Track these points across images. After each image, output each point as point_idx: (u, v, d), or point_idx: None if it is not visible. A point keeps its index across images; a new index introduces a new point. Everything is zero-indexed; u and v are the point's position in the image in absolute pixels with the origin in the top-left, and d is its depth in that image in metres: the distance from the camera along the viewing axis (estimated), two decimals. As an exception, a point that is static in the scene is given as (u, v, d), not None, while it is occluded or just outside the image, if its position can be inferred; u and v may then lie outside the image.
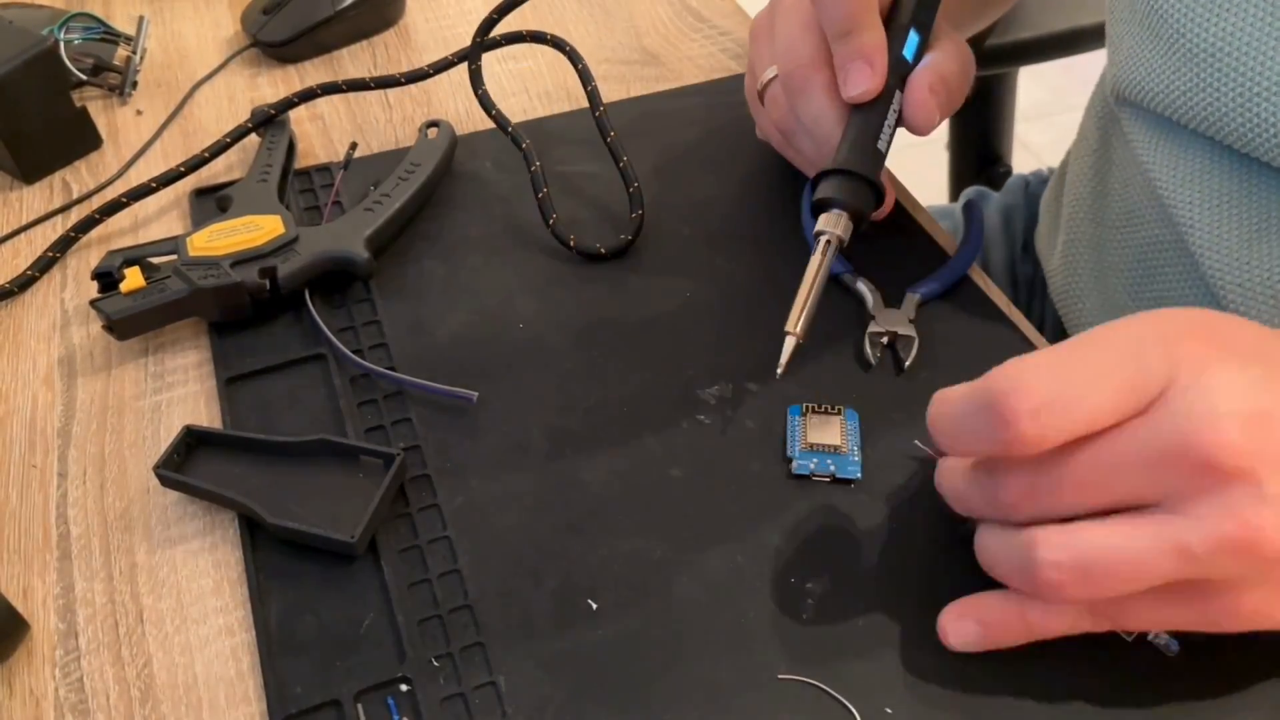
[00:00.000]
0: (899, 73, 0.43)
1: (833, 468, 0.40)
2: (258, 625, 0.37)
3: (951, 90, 0.44)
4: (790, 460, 0.41)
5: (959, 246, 0.49)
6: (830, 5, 0.42)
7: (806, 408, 0.42)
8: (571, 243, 0.49)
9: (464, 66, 0.54)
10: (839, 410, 0.42)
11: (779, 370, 0.40)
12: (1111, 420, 0.30)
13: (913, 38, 0.44)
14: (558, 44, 0.53)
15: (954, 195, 1.05)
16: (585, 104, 0.60)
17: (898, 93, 0.43)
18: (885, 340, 0.44)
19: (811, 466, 0.40)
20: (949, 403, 0.32)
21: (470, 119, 0.59)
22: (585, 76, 0.53)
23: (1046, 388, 0.30)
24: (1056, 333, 0.58)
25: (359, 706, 0.34)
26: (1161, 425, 0.29)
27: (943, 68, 0.44)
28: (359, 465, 0.40)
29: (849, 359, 0.44)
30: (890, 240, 0.49)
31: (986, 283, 0.48)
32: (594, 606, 0.37)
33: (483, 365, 0.45)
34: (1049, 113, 1.75)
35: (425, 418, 0.43)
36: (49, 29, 0.58)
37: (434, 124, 0.54)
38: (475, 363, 0.45)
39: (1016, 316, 0.47)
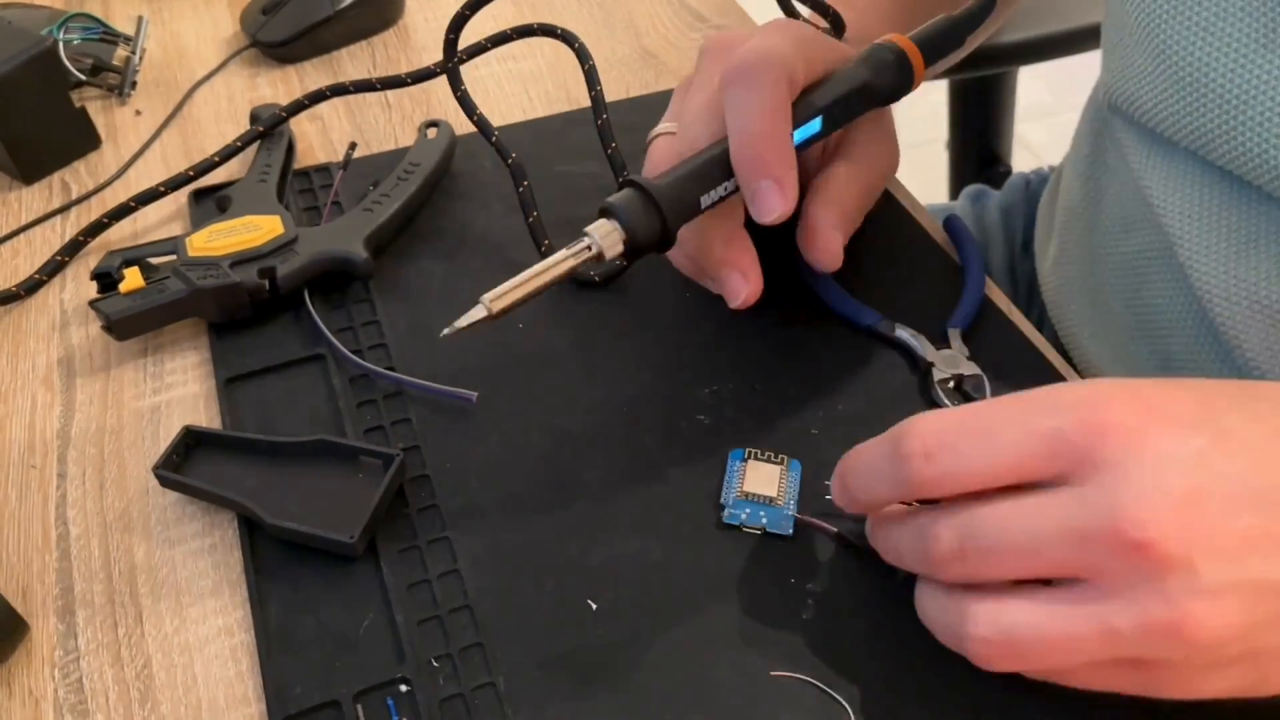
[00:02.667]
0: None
1: (763, 519, 0.38)
2: (257, 626, 0.37)
3: (849, 217, 0.43)
4: (722, 509, 0.39)
5: (964, 268, 0.48)
6: (733, 99, 0.39)
7: (749, 453, 0.41)
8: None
9: (470, 64, 0.54)
10: (782, 460, 0.40)
11: (446, 331, 0.36)
12: (1015, 478, 0.30)
13: (814, 125, 0.41)
14: (568, 39, 0.52)
15: (954, 194, 1.05)
16: (586, 104, 0.60)
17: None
18: (952, 384, 0.43)
19: (742, 516, 0.39)
20: (860, 452, 0.33)
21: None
22: (591, 78, 0.51)
23: (944, 431, 0.30)
24: (1054, 333, 0.58)
25: (358, 707, 0.34)
26: (1093, 501, 0.28)
27: (845, 199, 0.43)
28: (358, 465, 0.40)
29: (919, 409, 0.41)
30: (891, 269, 0.49)
31: (999, 296, 0.48)
32: (594, 607, 0.37)
33: (483, 365, 0.45)
34: (1049, 112, 1.75)
35: (425, 418, 0.43)
36: (48, 29, 0.58)
37: (433, 124, 0.54)
38: (475, 363, 0.45)
39: (1017, 317, 0.47)
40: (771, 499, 0.39)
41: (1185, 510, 0.27)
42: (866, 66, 0.42)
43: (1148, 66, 0.44)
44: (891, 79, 0.42)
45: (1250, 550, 0.27)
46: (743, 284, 0.41)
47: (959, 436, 0.30)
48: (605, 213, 0.38)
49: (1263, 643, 0.28)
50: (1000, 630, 0.30)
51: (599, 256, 0.37)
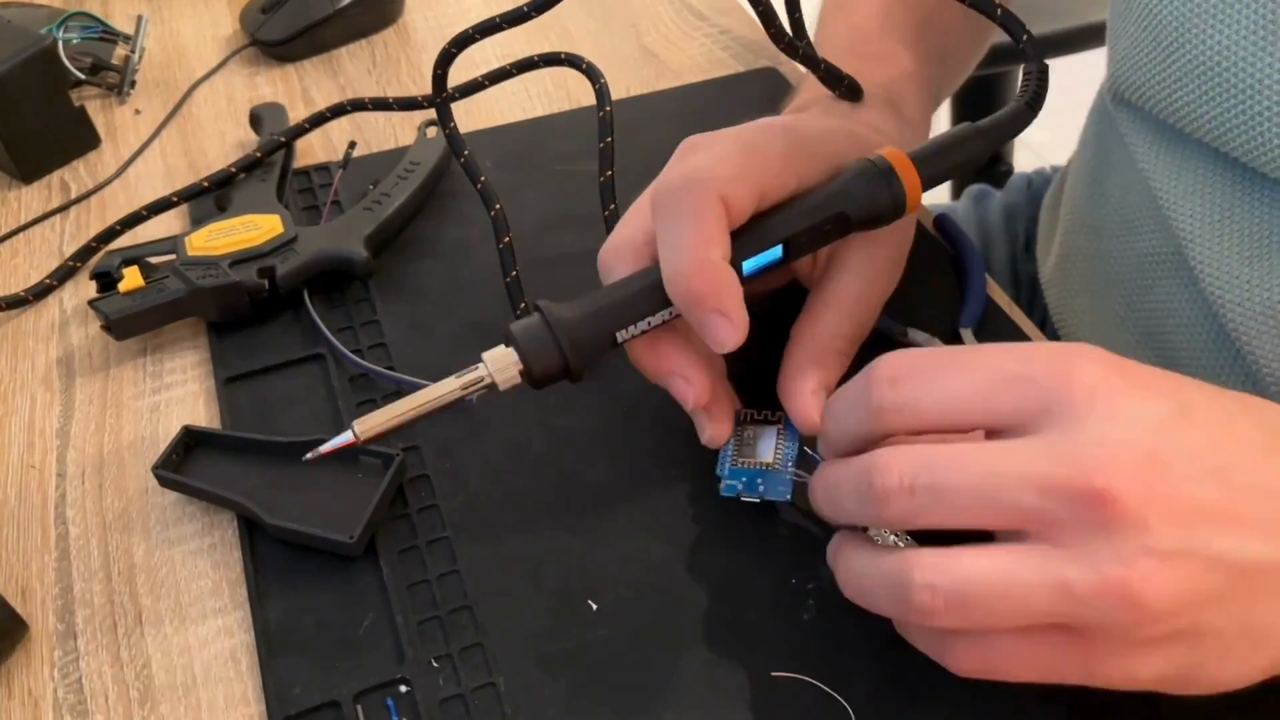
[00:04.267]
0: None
1: (760, 486, 0.37)
2: (257, 626, 0.36)
3: (839, 368, 0.38)
4: (719, 481, 0.38)
5: (962, 265, 0.47)
6: (660, 223, 0.36)
7: (740, 418, 0.39)
8: (521, 309, 0.44)
9: (463, 65, 0.54)
10: (779, 418, 0.39)
11: (310, 455, 0.35)
12: (980, 413, 0.29)
13: (772, 253, 0.36)
14: (573, 62, 0.48)
15: (955, 194, 1.04)
16: (586, 104, 0.60)
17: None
18: None
19: (739, 487, 0.38)
20: (839, 390, 0.33)
21: (470, 118, 0.59)
22: (602, 97, 0.47)
23: (912, 362, 0.30)
24: (1056, 333, 0.58)
25: (358, 707, 0.34)
26: (1058, 448, 0.28)
27: (829, 349, 0.38)
28: (358, 465, 0.40)
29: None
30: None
31: (1000, 296, 0.47)
32: (594, 607, 0.37)
33: (482, 365, 0.45)
34: (1051, 111, 1.74)
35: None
36: (47, 28, 0.58)
37: (433, 123, 0.54)
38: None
39: (1019, 317, 0.47)
40: (768, 464, 0.38)
41: (1146, 470, 0.27)
42: (843, 191, 0.36)
43: (1158, 55, 0.44)
44: (875, 203, 0.36)
45: (1204, 521, 0.27)
46: (687, 388, 0.37)
47: (928, 367, 0.30)
48: (506, 339, 0.35)
49: (1205, 620, 0.28)
50: (949, 577, 0.28)
51: (492, 386, 0.35)
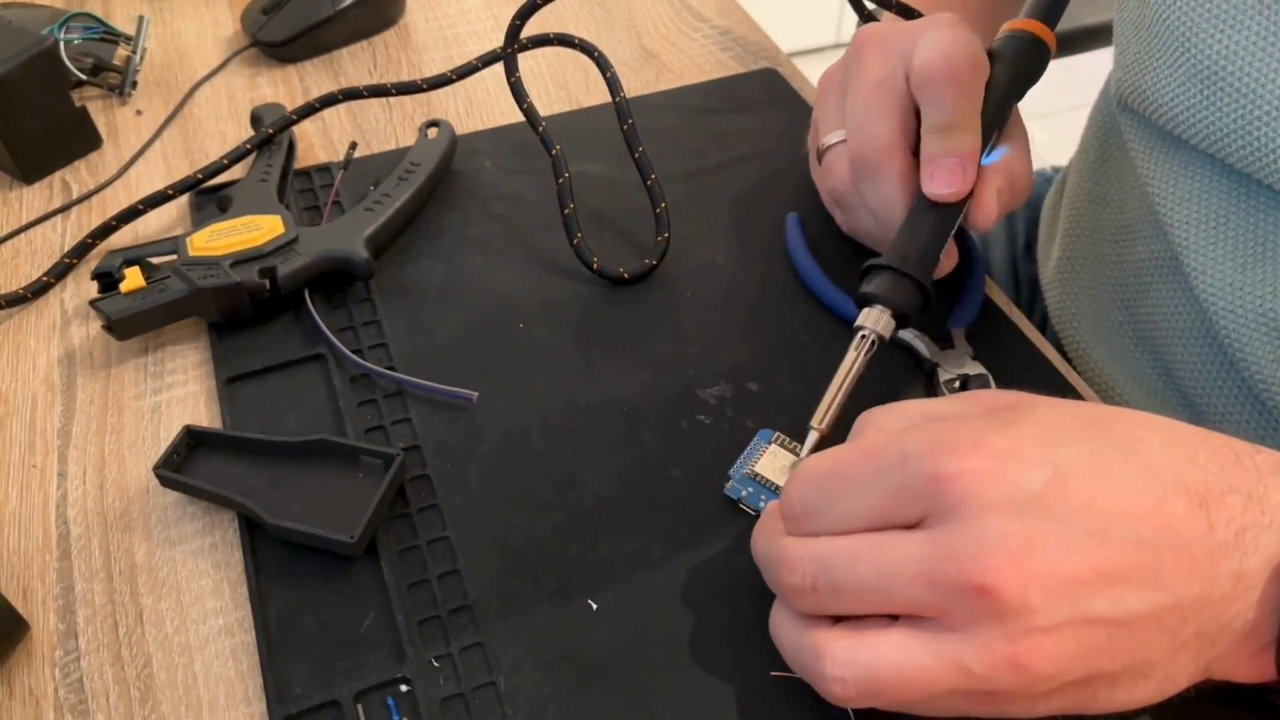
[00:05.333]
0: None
1: (762, 502, 0.39)
2: (257, 626, 0.37)
3: (1016, 192, 0.43)
4: (728, 479, 0.40)
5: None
6: (942, 97, 0.41)
7: (777, 437, 0.41)
8: (595, 265, 0.48)
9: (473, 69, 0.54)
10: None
11: (795, 460, 0.40)
12: (873, 524, 0.31)
13: (993, 141, 0.43)
14: (586, 48, 0.51)
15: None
16: (586, 104, 0.60)
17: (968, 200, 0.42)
18: (957, 384, 0.43)
19: (743, 494, 0.39)
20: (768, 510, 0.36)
21: (470, 118, 0.59)
22: (614, 86, 0.51)
23: (807, 495, 0.33)
24: (1056, 334, 0.58)
25: (359, 707, 0.34)
26: (940, 546, 0.30)
27: (1015, 168, 0.43)
28: (359, 465, 0.40)
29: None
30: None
31: (999, 296, 0.48)
32: (594, 607, 0.37)
33: (483, 365, 0.45)
34: (1051, 111, 1.74)
35: (425, 418, 0.43)
36: (49, 29, 0.58)
37: (434, 124, 0.54)
38: (475, 363, 0.45)
39: (1018, 317, 0.47)
40: (777, 487, 0.39)
41: (1022, 557, 0.29)
42: (1012, 64, 0.44)
43: (1164, 61, 0.44)
44: (1033, 67, 0.44)
45: (1081, 588, 0.29)
46: (957, 170, 0.41)
47: (819, 499, 0.32)
48: (867, 300, 0.40)
49: (1094, 669, 0.30)
50: (856, 670, 0.31)
51: (880, 341, 0.40)
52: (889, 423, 0.34)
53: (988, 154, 0.43)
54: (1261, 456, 0.32)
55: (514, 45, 0.50)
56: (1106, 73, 0.56)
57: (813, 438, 0.38)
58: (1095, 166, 0.55)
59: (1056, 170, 0.71)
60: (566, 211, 0.49)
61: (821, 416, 0.38)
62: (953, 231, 0.42)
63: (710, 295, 0.48)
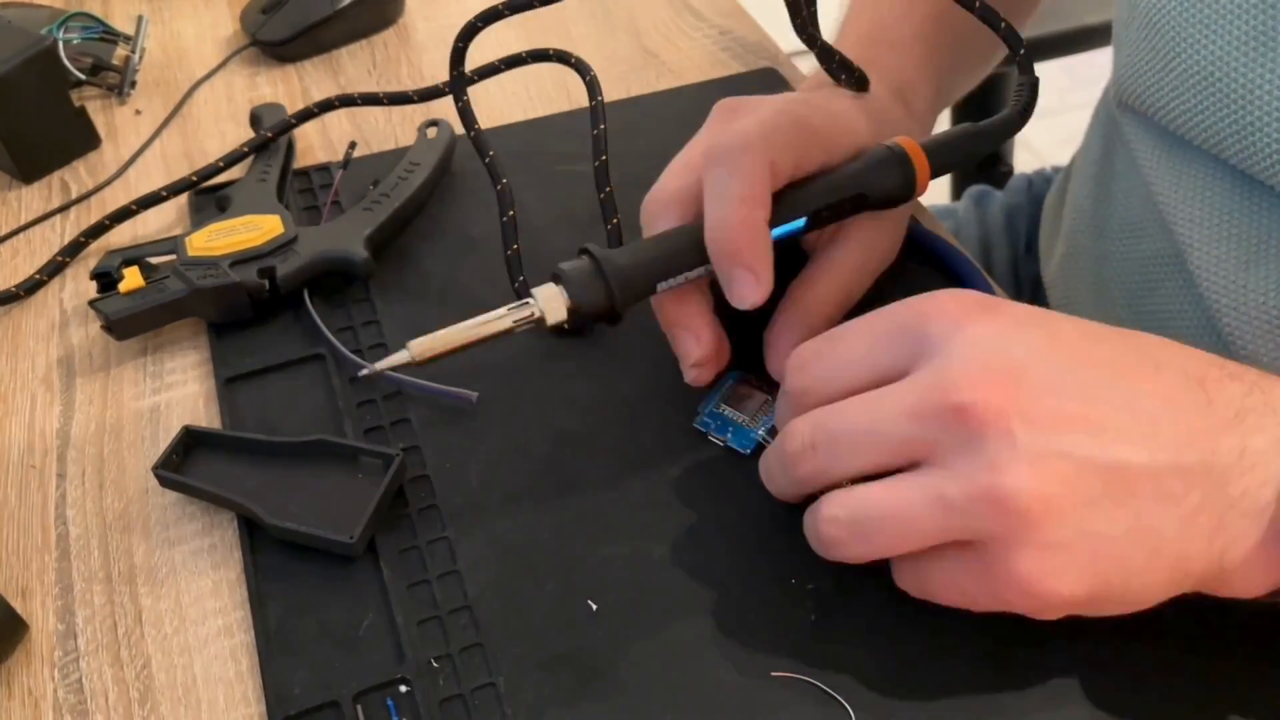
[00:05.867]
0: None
1: (729, 436, 0.40)
2: (257, 626, 0.36)
3: (829, 321, 0.41)
4: (697, 413, 0.42)
5: (947, 266, 0.47)
6: (711, 179, 0.38)
7: (747, 378, 0.42)
8: (517, 285, 0.45)
9: (469, 64, 0.53)
10: (770, 395, 0.41)
11: (365, 371, 0.37)
12: (869, 371, 0.32)
13: (796, 224, 0.40)
14: (562, 58, 0.50)
15: (956, 194, 1.04)
16: (586, 104, 0.60)
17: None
18: None
19: (713, 428, 0.41)
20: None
21: (470, 118, 0.59)
22: (593, 89, 0.49)
23: (811, 346, 0.34)
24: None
25: (358, 707, 0.34)
26: (922, 378, 0.30)
27: (817, 312, 0.41)
28: (358, 466, 0.40)
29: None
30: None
31: (1000, 295, 0.47)
32: (594, 607, 0.37)
33: (483, 365, 0.45)
34: (1051, 112, 1.74)
35: (425, 418, 0.43)
36: (48, 28, 0.58)
37: (433, 123, 0.54)
38: (475, 363, 0.45)
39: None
40: (744, 422, 0.41)
41: (1007, 383, 0.29)
42: (864, 173, 0.40)
43: (1158, 63, 0.44)
44: (891, 187, 0.40)
45: (1070, 427, 0.29)
46: (694, 346, 0.40)
47: (824, 346, 0.34)
48: (555, 278, 0.38)
49: (1090, 527, 0.29)
50: (846, 509, 0.32)
51: (540, 321, 0.37)
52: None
53: (788, 233, 0.40)
54: (1262, 374, 0.31)
55: (459, 71, 0.45)
56: (1108, 71, 0.56)
57: (400, 356, 0.36)
58: (1099, 164, 0.55)
59: (1057, 170, 0.71)
60: (509, 254, 0.45)
61: (425, 344, 0.36)
62: (680, 278, 0.39)
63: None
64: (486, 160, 0.47)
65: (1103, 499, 0.29)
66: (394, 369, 0.36)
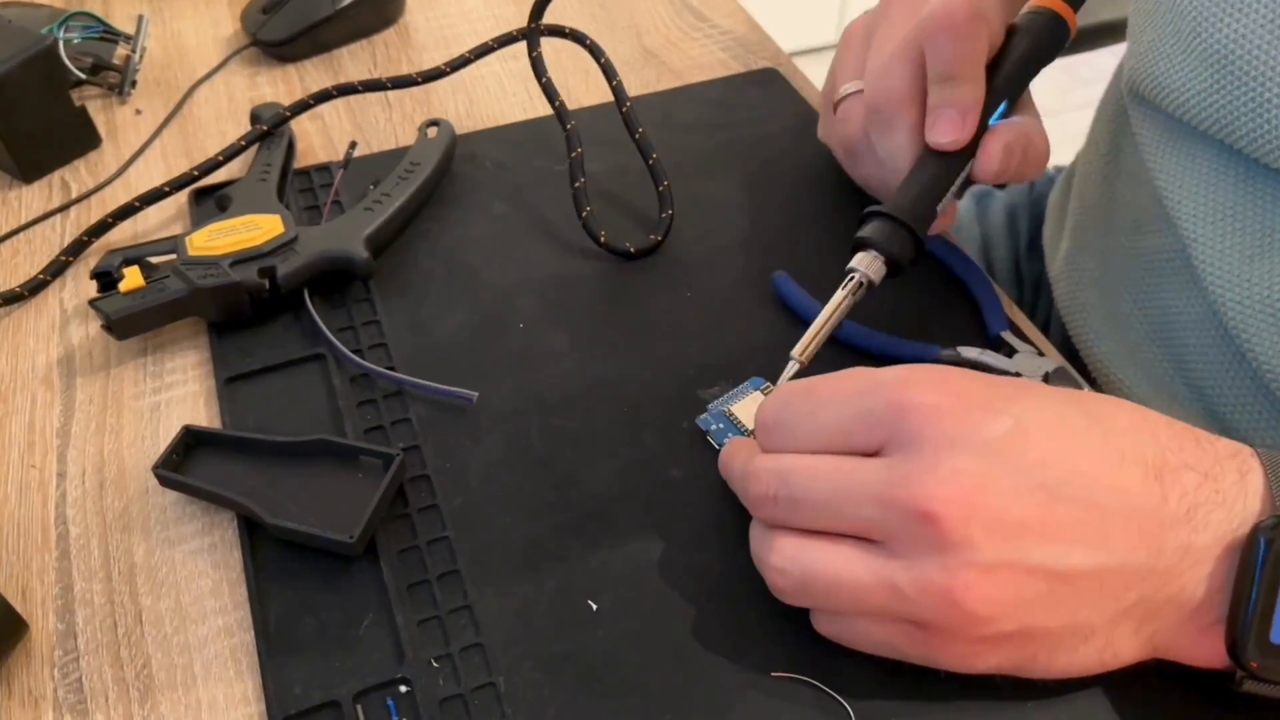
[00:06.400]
0: (980, 134, 0.43)
1: (727, 440, 0.40)
2: (257, 626, 0.36)
3: (1029, 158, 0.43)
4: (705, 410, 0.42)
5: (955, 273, 0.47)
6: (940, 46, 0.41)
7: (765, 387, 0.43)
8: (602, 239, 0.49)
9: (470, 65, 0.54)
10: None
11: (768, 384, 0.41)
12: (841, 446, 0.33)
13: (1002, 106, 0.43)
14: (577, 38, 0.53)
15: (956, 194, 1.04)
16: (587, 103, 0.60)
17: (974, 157, 0.43)
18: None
19: (712, 428, 0.41)
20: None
21: (470, 118, 0.59)
22: (609, 71, 0.52)
23: (778, 409, 0.35)
24: (1060, 333, 0.58)
25: (358, 707, 0.34)
26: (894, 471, 0.31)
27: (1027, 131, 0.43)
28: (358, 465, 0.40)
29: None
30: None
31: (1002, 295, 0.47)
32: (594, 607, 0.37)
33: (482, 365, 0.45)
34: (1052, 111, 1.74)
35: (425, 418, 0.43)
36: (48, 28, 0.58)
37: (434, 123, 0.54)
38: (475, 363, 0.45)
39: (1019, 318, 0.47)
40: (747, 429, 0.41)
41: (973, 493, 0.30)
42: (1030, 36, 0.44)
43: (1177, 47, 0.44)
44: (1053, 43, 0.44)
45: (1026, 535, 0.30)
46: (957, 119, 0.42)
47: (789, 415, 0.34)
48: (861, 245, 0.41)
49: (1032, 623, 0.31)
50: (797, 565, 0.33)
51: (870, 285, 0.41)
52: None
53: (999, 118, 0.43)
54: (1221, 443, 0.32)
55: (538, 48, 0.52)
56: (1109, 71, 0.56)
57: (792, 368, 0.40)
58: (1106, 158, 0.55)
59: (1058, 170, 0.71)
60: (577, 185, 0.50)
61: (804, 348, 0.40)
62: (955, 185, 0.42)
63: (711, 296, 0.48)
64: (556, 105, 0.52)
65: (1047, 598, 0.30)
66: (790, 377, 0.39)
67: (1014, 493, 0.30)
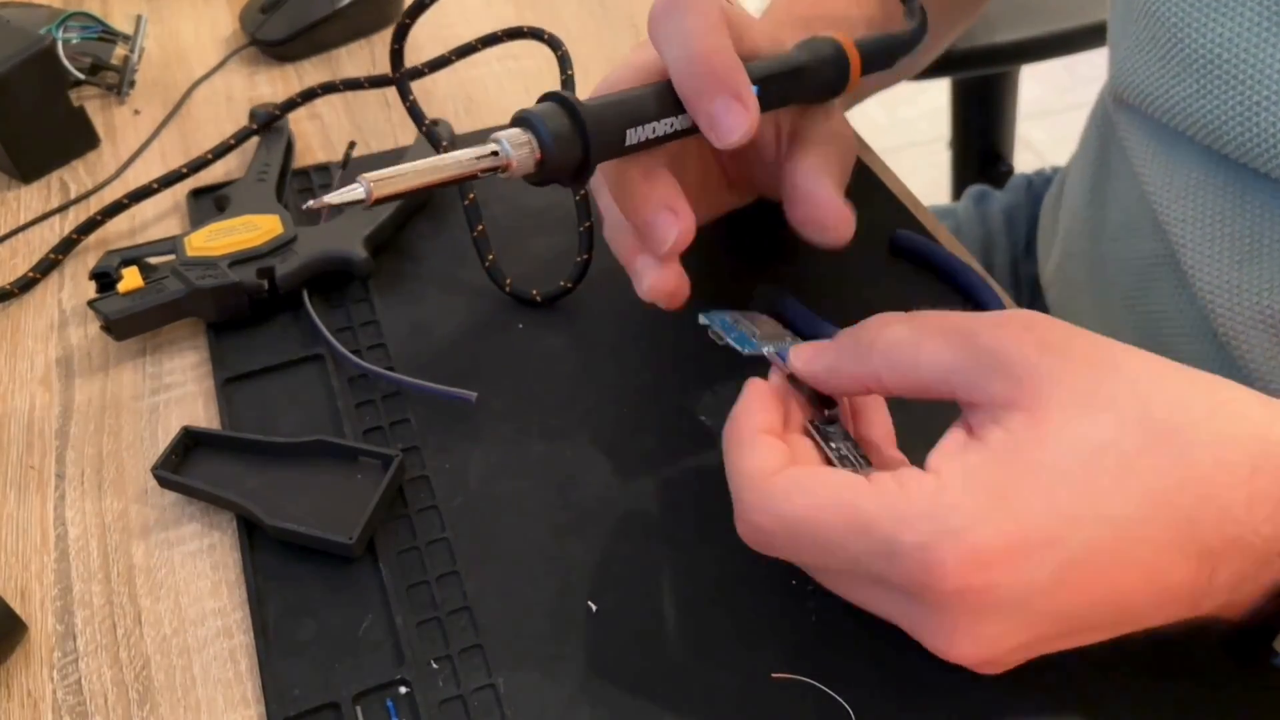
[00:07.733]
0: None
1: (732, 337, 0.38)
2: (256, 627, 0.36)
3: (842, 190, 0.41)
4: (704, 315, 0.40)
5: (944, 269, 0.47)
6: (675, 49, 0.36)
7: (750, 317, 0.41)
8: (508, 287, 0.47)
9: (469, 63, 0.53)
10: (790, 332, 0.40)
11: (311, 202, 0.33)
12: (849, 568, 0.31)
13: (754, 89, 0.37)
14: (535, 34, 0.50)
15: (956, 194, 1.05)
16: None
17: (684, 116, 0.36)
18: None
19: (716, 324, 0.40)
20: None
21: (469, 118, 0.59)
22: (564, 63, 0.49)
23: (783, 530, 0.31)
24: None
25: (358, 709, 0.34)
26: (913, 621, 0.30)
27: (830, 173, 0.40)
28: (357, 466, 0.40)
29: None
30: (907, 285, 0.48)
31: (1002, 296, 0.47)
32: (594, 607, 0.37)
33: (482, 365, 0.45)
34: (1052, 111, 1.74)
35: (424, 418, 0.43)
36: (47, 28, 0.58)
37: (433, 123, 0.54)
38: (475, 363, 0.45)
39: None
40: (750, 333, 0.39)
41: (993, 649, 0.29)
42: (804, 53, 0.40)
43: (1157, 53, 0.44)
44: (828, 73, 0.40)
45: (1045, 646, 0.30)
46: (672, 221, 0.36)
47: (795, 542, 0.31)
48: (520, 122, 0.34)
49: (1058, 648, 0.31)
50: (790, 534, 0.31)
51: (506, 167, 0.33)
52: (899, 364, 0.32)
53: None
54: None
55: (400, 70, 0.49)
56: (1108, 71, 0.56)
57: (355, 191, 0.32)
58: (1095, 165, 0.55)
59: (1056, 170, 0.71)
60: (475, 234, 0.47)
61: (382, 178, 0.32)
62: (661, 127, 0.36)
63: (710, 295, 0.47)
64: (424, 127, 0.49)
65: (1044, 648, 0.30)
66: (342, 201, 0.32)
67: (1041, 645, 0.30)
